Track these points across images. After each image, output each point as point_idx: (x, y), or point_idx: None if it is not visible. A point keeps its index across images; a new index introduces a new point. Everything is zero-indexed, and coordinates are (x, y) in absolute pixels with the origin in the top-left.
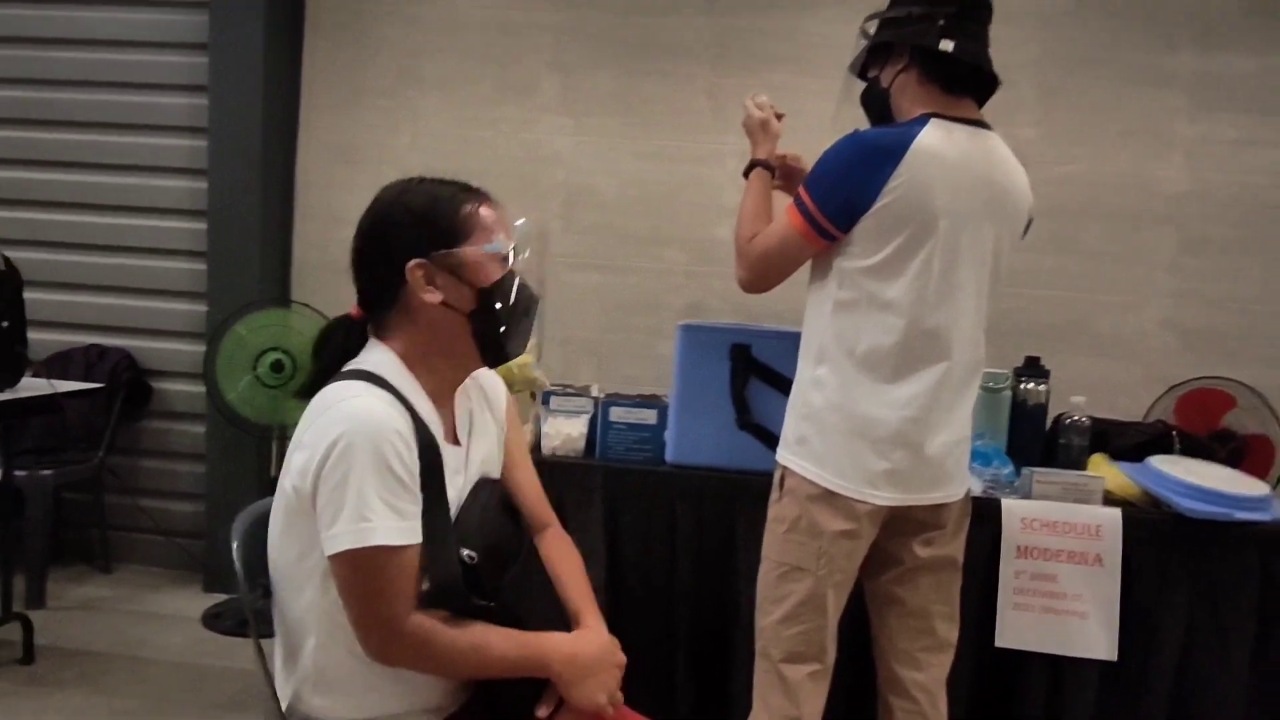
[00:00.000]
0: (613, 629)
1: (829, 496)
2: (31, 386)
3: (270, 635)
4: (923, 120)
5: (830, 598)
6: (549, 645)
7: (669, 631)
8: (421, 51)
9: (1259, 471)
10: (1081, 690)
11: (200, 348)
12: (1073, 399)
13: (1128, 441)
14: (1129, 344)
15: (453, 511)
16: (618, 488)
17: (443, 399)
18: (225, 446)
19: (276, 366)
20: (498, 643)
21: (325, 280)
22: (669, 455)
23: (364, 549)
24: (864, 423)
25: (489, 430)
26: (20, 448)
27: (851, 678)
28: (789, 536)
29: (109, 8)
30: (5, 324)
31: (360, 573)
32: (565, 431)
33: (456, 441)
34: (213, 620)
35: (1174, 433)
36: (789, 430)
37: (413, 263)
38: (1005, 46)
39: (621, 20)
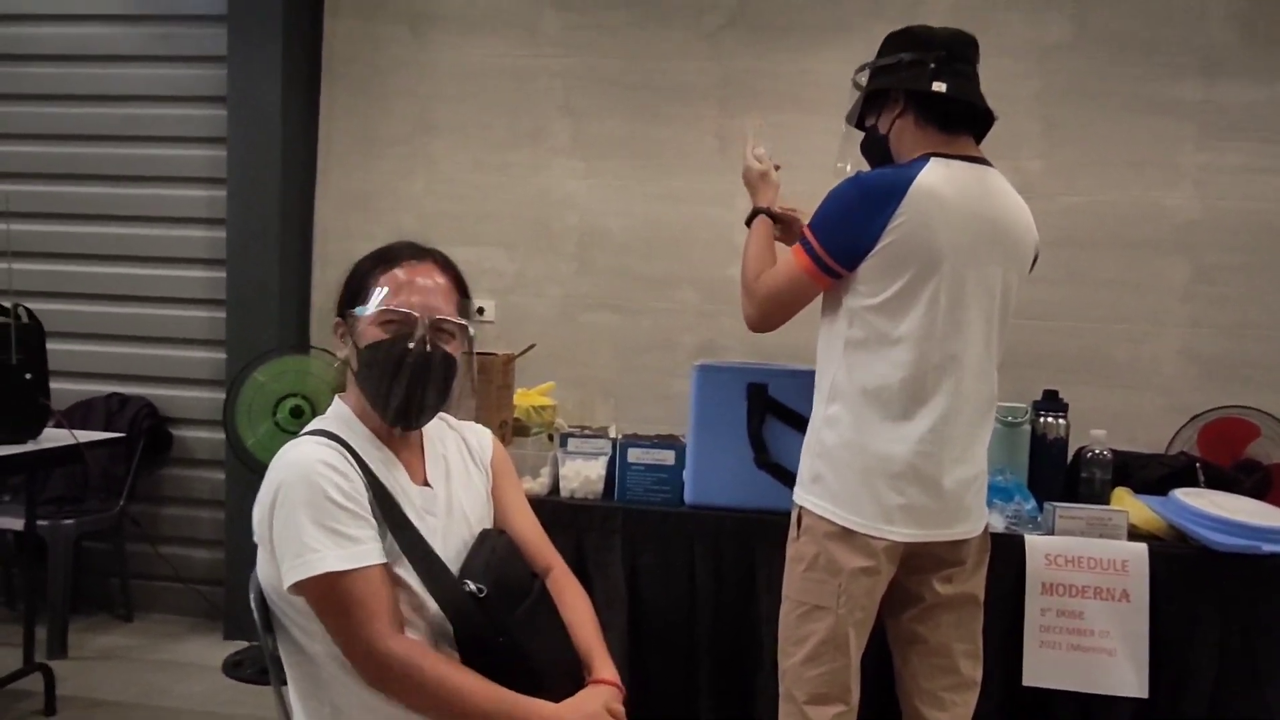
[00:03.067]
0: (635, 671)
1: (846, 534)
2: (54, 437)
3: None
4: (923, 160)
5: (852, 636)
6: (530, 711)
7: (691, 673)
8: (435, 99)
9: None
10: None
11: (220, 395)
12: (1093, 432)
13: (1151, 474)
14: (1146, 374)
15: (441, 553)
16: (637, 529)
17: (396, 444)
18: (245, 493)
19: (296, 412)
20: (481, 693)
21: None
22: (688, 496)
23: (314, 578)
24: (878, 459)
25: (473, 482)
26: (42, 497)
27: (876, 719)
28: (808, 575)
29: (129, 64)
30: (29, 376)
31: (323, 601)
32: (584, 474)
33: (427, 484)
34: (233, 669)
35: (1198, 465)
36: (804, 470)
37: (335, 319)
38: (1007, 80)
39: (630, 64)
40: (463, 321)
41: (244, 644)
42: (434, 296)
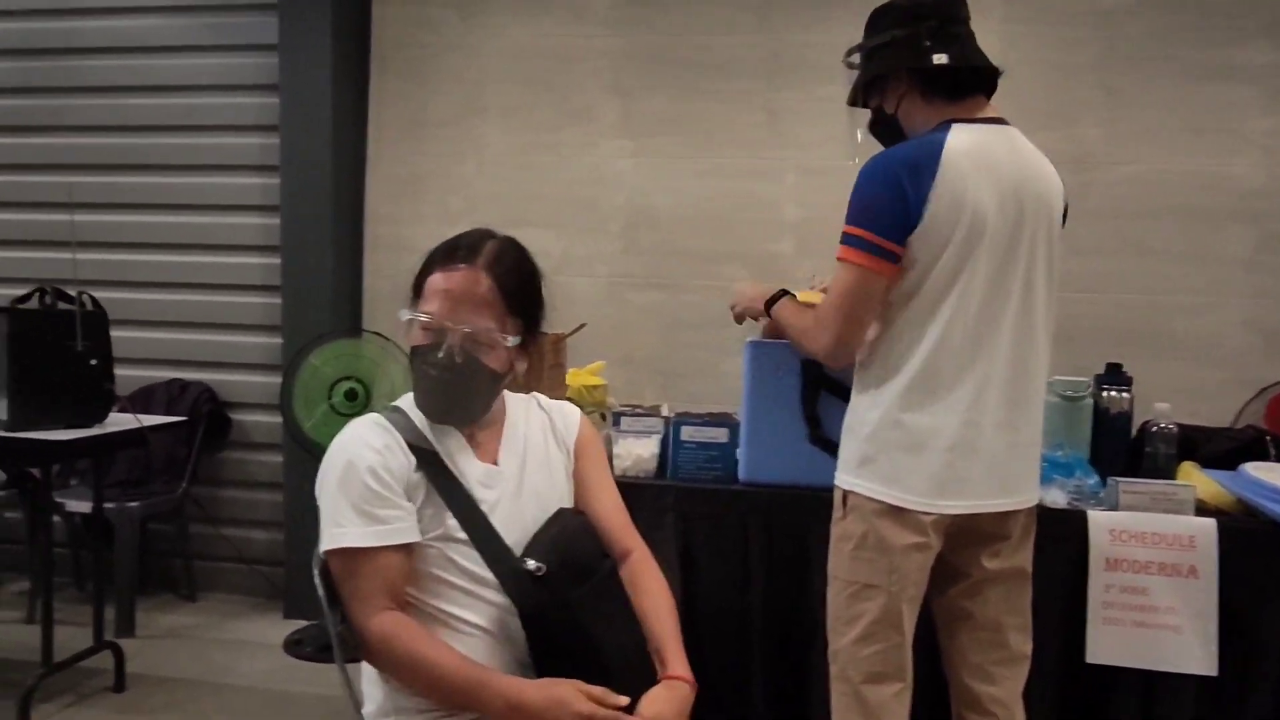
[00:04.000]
0: (688, 648)
1: (896, 512)
2: (118, 421)
3: (354, 660)
4: (945, 127)
5: (905, 613)
6: (495, 687)
7: (744, 651)
8: (483, 81)
9: None
10: (1178, 708)
11: (276, 379)
12: (1158, 406)
13: (1218, 448)
14: (1209, 347)
15: (502, 529)
16: (690, 507)
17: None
18: (303, 475)
19: (350, 395)
20: (449, 665)
21: (396, 309)
22: (741, 473)
23: (335, 550)
24: (924, 434)
25: (552, 460)
26: (108, 481)
27: (926, 697)
28: (857, 554)
29: (182, 54)
30: (94, 362)
31: (338, 573)
32: (636, 452)
33: (494, 462)
34: (294, 646)
35: (1268, 438)
36: (849, 453)
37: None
38: (1066, 46)
39: (676, 41)
40: (493, 335)
41: (304, 623)
42: (465, 308)
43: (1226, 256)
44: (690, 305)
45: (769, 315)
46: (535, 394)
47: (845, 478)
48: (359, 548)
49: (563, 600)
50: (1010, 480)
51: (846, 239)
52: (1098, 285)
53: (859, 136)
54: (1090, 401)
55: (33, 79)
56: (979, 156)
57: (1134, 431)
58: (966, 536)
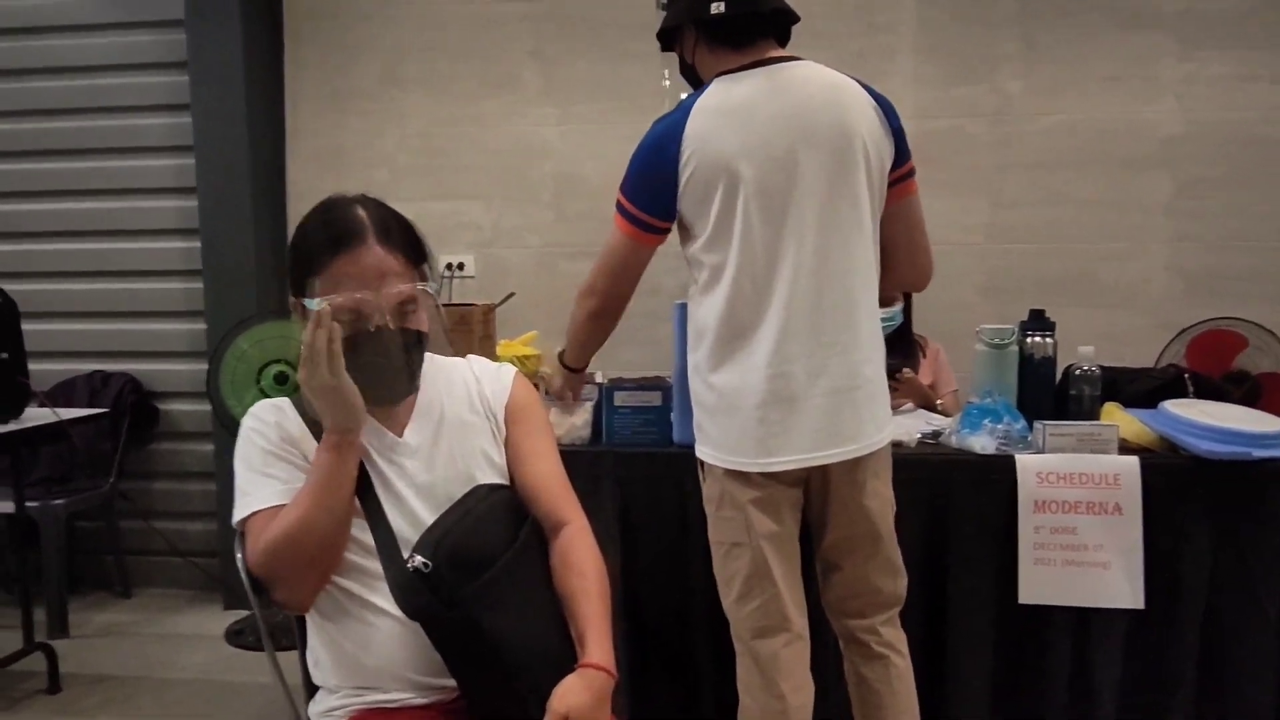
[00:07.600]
0: (629, 612)
1: (736, 473)
2: (36, 416)
3: (288, 648)
4: (704, 87)
5: (773, 564)
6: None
7: (685, 611)
8: (403, 51)
9: (1275, 409)
10: (1109, 641)
11: (202, 366)
12: (1081, 349)
13: (1140, 388)
14: (1132, 292)
15: (403, 506)
16: (627, 472)
17: None
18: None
19: (280, 379)
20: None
21: None
22: (675, 436)
23: (245, 520)
24: (733, 394)
25: (474, 430)
26: (31, 479)
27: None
28: (720, 515)
29: (85, 34)
30: (5, 355)
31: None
32: (570, 420)
33: (400, 434)
34: (235, 636)
35: (1186, 376)
36: (696, 421)
37: (292, 299)
38: (985, 1)
39: (599, 4)
40: (416, 289)
41: (244, 613)
42: (383, 281)
43: (1147, 203)
44: None
45: (565, 364)
46: (471, 357)
47: (697, 445)
48: (263, 509)
49: (450, 599)
50: (841, 428)
51: (617, 204)
52: (1023, 236)
53: (667, 81)
54: (1015, 349)
55: None
56: (736, 107)
57: (1059, 376)
58: (820, 487)
